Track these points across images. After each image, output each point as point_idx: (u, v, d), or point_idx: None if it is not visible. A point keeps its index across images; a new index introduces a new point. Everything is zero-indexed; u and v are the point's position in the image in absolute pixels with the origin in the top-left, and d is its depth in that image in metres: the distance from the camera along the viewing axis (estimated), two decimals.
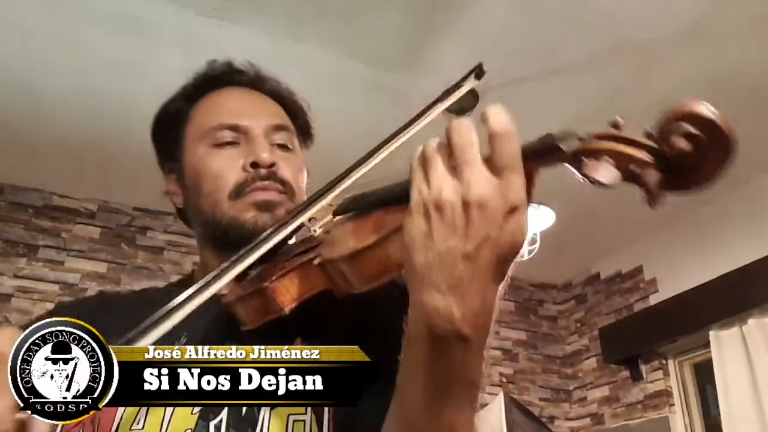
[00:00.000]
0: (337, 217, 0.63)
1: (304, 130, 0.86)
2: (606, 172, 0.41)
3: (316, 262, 0.56)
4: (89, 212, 3.27)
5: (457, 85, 0.73)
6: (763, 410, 2.62)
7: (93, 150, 2.86)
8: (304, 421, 0.59)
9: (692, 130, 0.39)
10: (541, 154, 0.44)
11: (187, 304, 0.54)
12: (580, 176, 0.42)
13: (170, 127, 0.81)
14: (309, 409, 0.60)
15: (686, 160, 0.40)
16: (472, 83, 0.75)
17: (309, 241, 0.63)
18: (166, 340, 0.68)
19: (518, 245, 0.43)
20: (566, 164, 0.43)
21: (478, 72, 0.74)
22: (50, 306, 2.97)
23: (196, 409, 0.61)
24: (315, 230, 0.64)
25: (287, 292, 0.58)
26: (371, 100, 2.44)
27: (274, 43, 2.20)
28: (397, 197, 0.52)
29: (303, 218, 0.61)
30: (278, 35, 2.19)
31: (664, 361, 3.28)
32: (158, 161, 0.85)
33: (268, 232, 0.59)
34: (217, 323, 0.67)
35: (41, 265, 3.07)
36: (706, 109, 0.39)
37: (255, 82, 0.82)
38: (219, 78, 0.81)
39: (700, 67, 2.29)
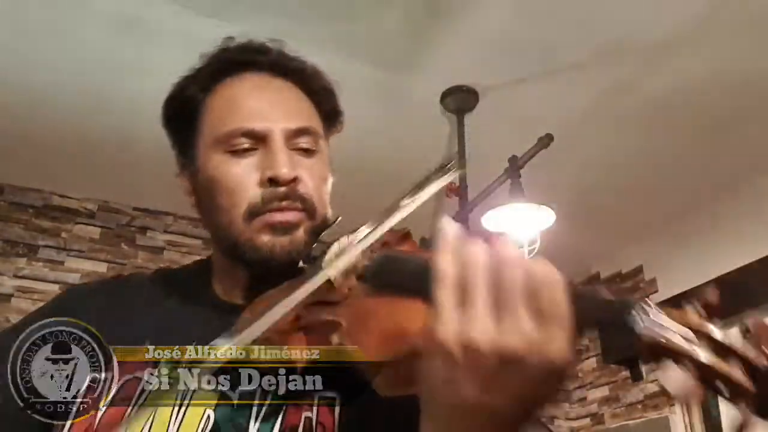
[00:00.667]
0: (361, 283, 0.56)
1: (331, 117, 0.78)
2: (681, 382, 0.33)
3: (334, 341, 0.52)
4: (89, 212, 3.27)
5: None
6: None
7: (93, 150, 2.85)
8: None
9: None
10: (602, 321, 0.38)
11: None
12: (644, 369, 0.35)
13: (183, 118, 0.74)
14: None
15: None
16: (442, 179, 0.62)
17: (329, 292, 0.56)
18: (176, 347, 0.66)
19: (553, 396, 0.39)
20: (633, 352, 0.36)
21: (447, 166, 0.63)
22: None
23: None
24: (336, 278, 0.57)
25: (301, 350, 0.54)
26: (371, 100, 2.43)
27: (274, 43, 2.19)
28: (421, 289, 0.45)
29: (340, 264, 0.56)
30: (278, 35, 2.18)
31: None
32: (173, 148, 0.77)
33: (311, 274, 0.54)
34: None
35: (41, 265, 3.07)
36: None
37: (277, 65, 0.75)
38: (236, 62, 0.74)
39: (700, 67, 2.29)
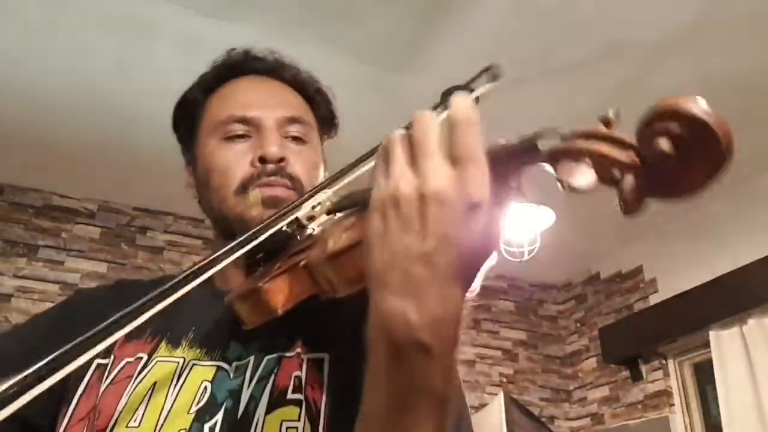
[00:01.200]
0: (330, 216, 0.62)
1: (326, 120, 0.82)
2: (582, 175, 0.37)
3: (302, 264, 0.55)
4: (89, 212, 3.27)
5: (469, 88, 0.70)
6: (763, 410, 2.62)
7: (93, 150, 2.86)
8: (296, 428, 0.58)
9: (675, 129, 0.34)
10: (518, 152, 0.41)
11: (174, 291, 0.53)
12: (556, 179, 0.38)
13: (186, 118, 0.79)
14: (303, 416, 0.59)
15: (668, 163, 0.34)
16: (488, 85, 0.72)
17: (306, 239, 0.62)
18: (175, 335, 0.68)
19: (484, 247, 0.40)
20: (545, 164, 0.39)
21: (493, 72, 0.72)
22: (50, 306, 2.97)
23: (193, 409, 0.61)
24: (313, 228, 0.62)
25: (280, 293, 0.57)
26: (371, 100, 2.44)
27: (274, 43, 2.19)
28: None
29: (299, 213, 0.60)
30: (278, 35, 2.18)
31: (664, 361, 3.28)
32: (182, 152, 0.83)
33: (263, 224, 0.58)
34: (222, 321, 0.67)
35: (41, 265, 3.07)
36: (694, 106, 0.33)
37: (274, 69, 0.79)
38: (236, 66, 0.79)
39: (699, 67, 2.29)
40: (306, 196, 0.61)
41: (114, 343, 0.67)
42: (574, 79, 2.39)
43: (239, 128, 0.72)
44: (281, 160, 0.70)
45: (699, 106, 0.33)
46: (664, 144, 0.34)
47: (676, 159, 0.34)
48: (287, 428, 0.58)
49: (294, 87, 0.80)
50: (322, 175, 0.77)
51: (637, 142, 0.36)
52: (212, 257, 0.54)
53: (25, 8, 2.12)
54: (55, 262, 3.11)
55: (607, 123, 0.38)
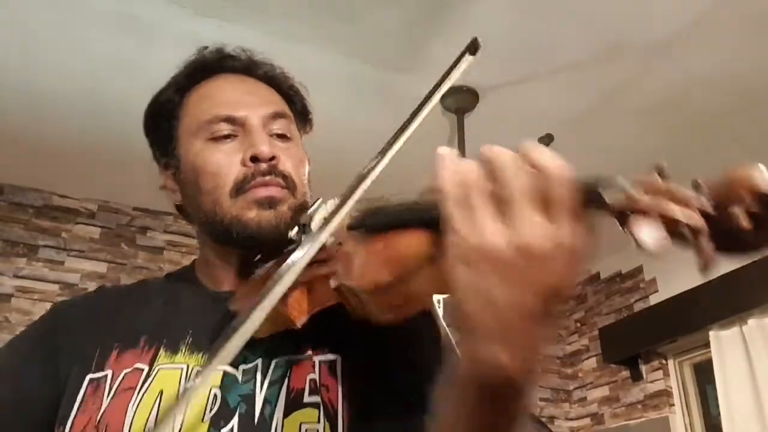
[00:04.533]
0: (351, 231, 0.60)
1: (302, 115, 0.82)
2: (653, 232, 0.37)
3: (332, 284, 0.54)
4: (89, 212, 3.27)
5: (454, 66, 0.69)
6: (763, 410, 2.62)
7: (93, 150, 2.85)
8: (317, 430, 0.58)
9: (755, 208, 0.35)
10: (583, 199, 0.40)
11: (240, 333, 0.50)
12: (625, 231, 0.38)
13: (162, 121, 0.77)
14: (323, 418, 0.59)
15: (743, 234, 0.35)
16: (468, 60, 0.69)
17: (321, 252, 0.59)
18: (172, 340, 0.67)
19: (573, 286, 0.41)
20: (608, 215, 0.39)
21: (473, 46, 0.70)
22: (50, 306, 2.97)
23: (207, 417, 0.60)
24: (326, 241, 0.60)
25: (298, 306, 0.56)
26: (371, 100, 2.43)
27: (274, 43, 2.19)
28: (414, 220, 0.49)
29: (312, 222, 0.59)
30: (278, 35, 2.18)
31: (664, 361, 3.28)
32: (153, 156, 0.82)
33: (313, 239, 0.55)
34: (221, 325, 0.65)
35: (41, 265, 3.07)
36: (763, 183, 0.35)
37: (248, 67, 0.78)
38: (210, 65, 0.78)
39: (699, 67, 2.29)
40: (334, 208, 0.59)
41: (106, 357, 0.67)
42: (574, 79, 2.39)
43: (225, 128, 0.71)
44: (273, 158, 0.70)
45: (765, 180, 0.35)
46: (742, 220, 0.35)
47: (751, 232, 0.35)
48: (306, 430, 0.58)
49: (269, 84, 0.79)
50: (308, 172, 0.77)
51: (712, 209, 0.36)
52: (265, 295, 0.51)
53: (25, 8, 2.12)
54: (55, 262, 3.10)
55: (661, 173, 0.40)
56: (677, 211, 0.36)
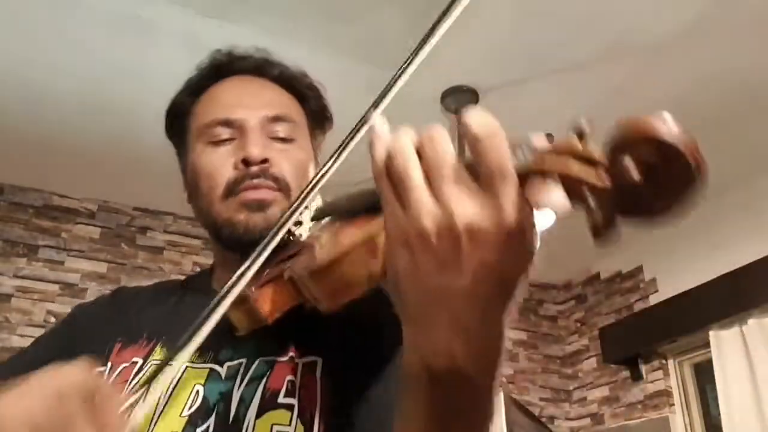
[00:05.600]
0: (314, 223, 0.61)
1: (317, 115, 0.81)
2: (553, 199, 0.34)
3: (286, 276, 0.54)
4: (89, 212, 3.27)
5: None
6: (763, 410, 2.62)
7: (93, 150, 2.86)
8: None
9: (644, 154, 0.32)
10: None
11: (208, 321, 0.52)
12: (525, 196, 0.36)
13: (176, 123, 0.79)
14: (295, 420, 0.58)
15: (639, 189, 0.33)
16: None
17: (293, 245, 0.61)
18: (171, 338, 0.68)
19: (523, 267, 0.36)
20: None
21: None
22: (51, 306, 2.98)
23: (186, 412, 0.61)
24: (300, 234, 0.62)
25: (269, 302, 0.56)
26: (371, 100, 2.43)
27: (274, 43, 2.17)
28: (360, 207, 0.49)
29: (295, 217, 0.59)
30: (278, 35, 2.18)
31: (664, 361, 3.28)
32: (177, 158, 0.82)
33: (267, 238, 0.56)
34: (219, 327, 0.66)
35: (41, 265, 3.07)
36: (662, 128, 0.31)
37: (260, 68, 0.78)
38: (221, 67, 0.78)
39: (699, 67, 2.29)
40: (298, 200, 0.59)
41: (111, 351, 0.69)
42: (574, 79, 2.39)
43: (223, 131, 0.72)
44: (264, 161, 0.69)
45: (667, 128, 0.31)
46: (633, 171, 0.32)
47: (646, 184, 0.33)
48: None
49: (281, 84, 0.78)
50: (311, 174, 0.76)
51: (607, 164, 0.34)
52: (229, 284, 0.54)
53: (26, 8, 2.12)
54: (55, 262, 3.11)
55: (580, 135, 0.36)
56: (575, 169, 0.34)
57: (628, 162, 0.32)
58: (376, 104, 0.60)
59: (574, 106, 2.51)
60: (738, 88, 2.38)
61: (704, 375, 3.11)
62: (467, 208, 0.34)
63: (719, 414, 2.79)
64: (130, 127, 2.66)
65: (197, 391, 0.62)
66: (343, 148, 0.59)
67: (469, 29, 2.18)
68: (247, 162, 0.69)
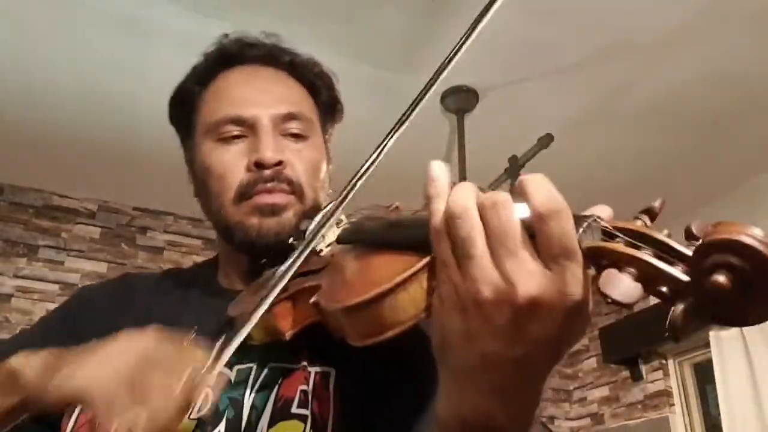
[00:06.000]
0: (341, 245, 0.58)
1: (329, 107, 0.79)
2: (624, 287, 0.32)
3: (312, 300, 0.52)
4: (89, 212, 3.27)
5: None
6: (763, 410, 2.62)
7: (93, 150, 2.85)
8: None
9: (734, 261, 0.30)
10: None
11: (235, 338, 0.52)
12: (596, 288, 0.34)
13: (183, 111, 0.76)
14: (308, 427, 0.57)
15: (725, 294, 0.31)
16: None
17: (315, 261, 0.58)
18: (179, 332, 0.67)
19: (580, 336, 0.36)
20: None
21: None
22: (51, 306, 2.97)
23: (194, 415, 0.59)
24: (322, 249, 0.60)
25: (288, 317, 0.55)
26: (371, 100, 2.43)
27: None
28: (398, 240, 0.47)
29: (309, 227, 0.58)
30: (278, 35, 2.18)
31: (664, 361, 3.28)
32: (182, 146, 0.80)
33: (298, 252, 0.54)
34: (225, 323, 0.65)
35: (41, 265, 3.07)
36: (754, 239, 0.30)
37: (270, 56, 0.76)
38: (231, 55, 0.75)
39: (699, 66, 2.29)
40: (323, 217, 0.57)
41: None
42: (574, 79, 2.38)
43: (234, 129, 0.70)
44: (279, 163, 0.68)
45: (759, 238, 0.30)
46: (723, 279, 0.30)
47: (733, 292, 0.30)
48: None
49: (292, 74, 0.76)
50: (324, 173, 0.74)
51: (690, 267, 0.32)
52: (255, 306, 0.51)
53: (25, 8, 2.12)
54: (55, 262, 3.10)
55: (652, 215, 0.35)
56: (654, 262, 0.32)
57: (717, 270, 0.30)
58: (412, 108, 0.57)
59: (575, 106, 2.51)
60: (737, 88, 2.38)
61: (704, 375, 3.11)
62: (530, 282, 0.33)
63: (719, 414, 2.79)
64: (131, 128, 2.65)
65: (206, 394, 0.61)
66: (381, 150, 0.57)
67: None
68: (260, 164, 0.67)
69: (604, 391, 3.61)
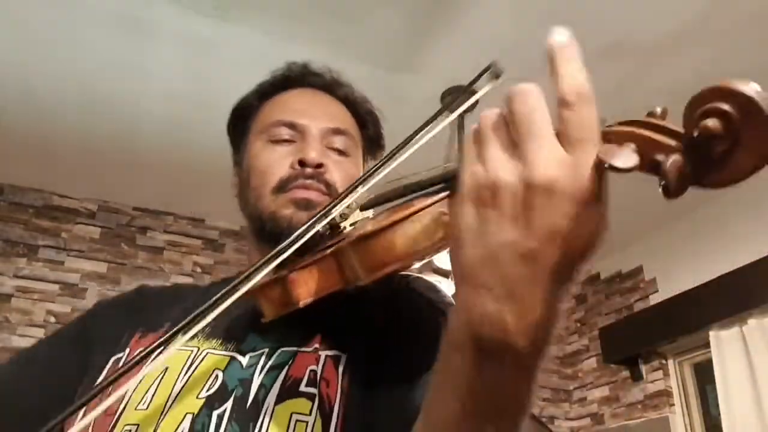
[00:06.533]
0: (364, 212, 0.62)
1: (372, 140, 0.85)
2: (625, 157, 0.33)
3: (329, 251, 0.55)
4: (89, 212, 3.27)
5: (471, 90, 0.69)
6: (763, 410, 2.62)
7: (93, 150, 2.86)
8: (306, 422, 0.57)
9: (725, 107, 0.31)
10: None
11: (222, 302, 0.51)
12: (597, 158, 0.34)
13: (240, 121, 0.82)
14: (315, 411, 0.58)
15: (715, 145, 0.32)
16: (490, 84, 0.68)
17: (336, 236, 0.62)
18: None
19: (594, 242, 0.35)
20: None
21: (494, 71, 0.71)
22: (51, 306, 2.98)
23: (203, 394, 0.60)
24: (345, 226, 0.63)
25: (305, 285, 0.57)
26: (371, 100, 2.44)
27: (274, 43, 2.19)
28: (415, 189, 0.50)
29: (334, 213, 0.60)
30: (278, 35, 2.19)
31: (664, 361, 3.28)
32: (232, 154, 0.86)
33: (301, 229, 0.55)
34: (241, 315, 0.67)
35: (41, 265, 3.07)
36: (745, 86, 0.31)
37: (329, 86, 0.83)
38: (293, 78, 0.82)
39: (700, 67, 2.29)
40: (338, 198, 0.59)
41: (131, 338, 0.71)
42: None
43: (285, 132, 0.75)
44: (320, 165, 0.72)
45: (750, 86, 0.31)
46: (711, 123, 0.32)
47: (723, 140, 0.32)
48: (297, 421, 0.57)
49: (345, 105, 0.82)
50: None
51: (683, 125, 0.34)
52: (254, 266, 0.52)
53: (26, 8, 2.12)
54: (55, 262, 3.11)
55: (653, 115, 0.37)
56: (646, 132, 0.35)
57: (708, 118, 0.32)
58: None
59: None
60: None
61: (704, 375, 3.11)
62: (550, 165, 0.33)
63: (719, 414, 2.79)
64: (131, 128, 2.66)
65: (216, 375, 0.62)
66: (400, 151, 0.60)
67: (469, 29, 2.18)
68: (303, 163, 0.72)
69: (604, 391, 3.61)
